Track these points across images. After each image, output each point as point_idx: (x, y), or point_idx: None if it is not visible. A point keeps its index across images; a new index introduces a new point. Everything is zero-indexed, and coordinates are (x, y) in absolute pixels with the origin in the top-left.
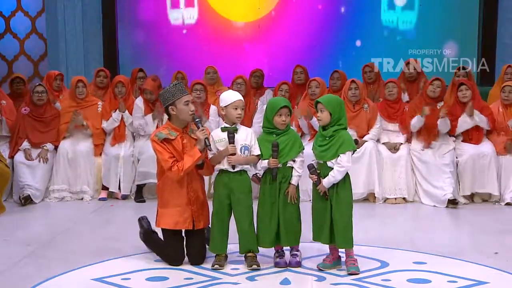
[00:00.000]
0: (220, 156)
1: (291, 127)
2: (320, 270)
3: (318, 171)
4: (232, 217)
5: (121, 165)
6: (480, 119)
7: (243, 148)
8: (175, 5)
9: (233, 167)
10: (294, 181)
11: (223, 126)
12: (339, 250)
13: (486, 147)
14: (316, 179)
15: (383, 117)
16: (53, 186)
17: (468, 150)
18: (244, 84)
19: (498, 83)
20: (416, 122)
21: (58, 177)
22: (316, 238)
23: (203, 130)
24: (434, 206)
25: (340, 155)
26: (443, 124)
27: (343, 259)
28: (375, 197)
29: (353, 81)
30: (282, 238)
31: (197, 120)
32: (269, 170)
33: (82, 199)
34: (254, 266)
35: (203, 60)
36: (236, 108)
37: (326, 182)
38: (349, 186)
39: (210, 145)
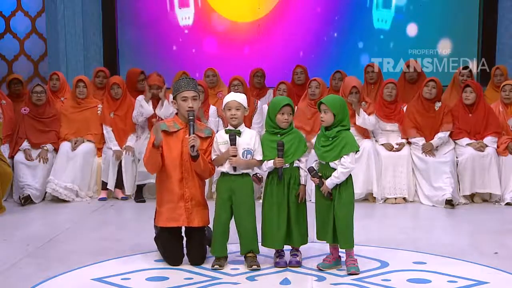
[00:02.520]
0: (222, 158)
1: (294, 127)
2: (320, 270)
3: (320, 174)
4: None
5: (123, 164)
6: (493, 142)
7: (245, 152)
8: (175, 5)
9: (234, 169)
10: (303, 181)
11: (227, 128)
12: (339, 250)
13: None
14: (318, 182)
15: (380, 117)
16: (50, 177)
17: (468, 150)
18: (241, 85)
19: (490, 85)
20: (415, 144)
21: (56, 171)
22: (321, 237)
23: (194, 139)
24: (433, 206)
25: (344, 156)
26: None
27: (343, 259)
28: (374, 197)
29: (354, 87)
30: (295, 238)
31: (191, 118)
32: (275, 171)
33: (73, 200)
34: (254, 267)
35: (203, 60)
36: (229, 109)
37: (329, 183)
38: (351, 186)
39: (197, 154)
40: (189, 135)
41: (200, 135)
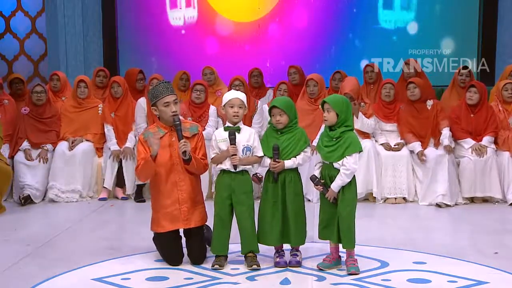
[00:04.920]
0: (222, 157)
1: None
2: (320, 270)
3: (322, 180)
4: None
5: (123, 163)
6: (490, 143)
7: (245, 149)
8: (175, 5)
9: (235, 167)
10: (287, 162)
11: (226, 125)
12: (339, 250)
13: (488, 148)
14: (322, 189)
15: (380, 117)
16: (51, 183)
17: (469, 151)
18: (242, 85)
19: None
20: (411, 149)
21: (56, 175)
22: (323, 236)
23: (185, 144)
24: (430, 205)
25: (347, 157)
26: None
27: (343, 259)
28: (374, 197)
29: (346, 93)
30: (292, 237)
31: (177, 122)
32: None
33: (76, 200)
34: (254, 266)
35: (203, 60)
36: (232, 107)
37: (335, 186)
38: (355, 186)
39: (189, 158)
40: (179, 140)
41: (187, 136)
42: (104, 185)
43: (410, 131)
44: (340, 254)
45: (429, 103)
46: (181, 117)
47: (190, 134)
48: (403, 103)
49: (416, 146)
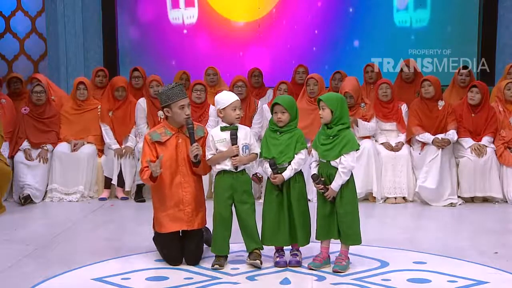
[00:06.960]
0: (222, 157)
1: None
2: (311, 269)
3: (323, 178)
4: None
5: (122, 161)
6: (489, 143)
7: (244, 147)
8: (175, 5)
9: (236, 167)
10: (285, 173)
11: (222, 125)
12: (329, 250)
13: (487, 148)
14: (322, 188)
15: (379, 117)
16: (52, 185)
17: (468, 150)
18: (245, 86)
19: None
20: (423, 139)
21: (56, 178)
22: (321, 237)
23: (197, 148)
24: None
25: (344, 155)
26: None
27: (332, 259)
28: (374, 197)
29: (346, 92)
30: (299, 237)
31: (190, 126)
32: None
33: (77, 200)
34: (257, 261)
35: (203, 60)
36: (234, 109)
37: (335, 186)
38: (353, 185)
39: (199, 161)
40: (191, 143)
41: (196, 138)
42: (112, 182)
43: (419, 125)
44: (329, 254)
45: (441, 103)
46: None
47: (198, 137)
48: (415, 100)
49: (427, 135)
